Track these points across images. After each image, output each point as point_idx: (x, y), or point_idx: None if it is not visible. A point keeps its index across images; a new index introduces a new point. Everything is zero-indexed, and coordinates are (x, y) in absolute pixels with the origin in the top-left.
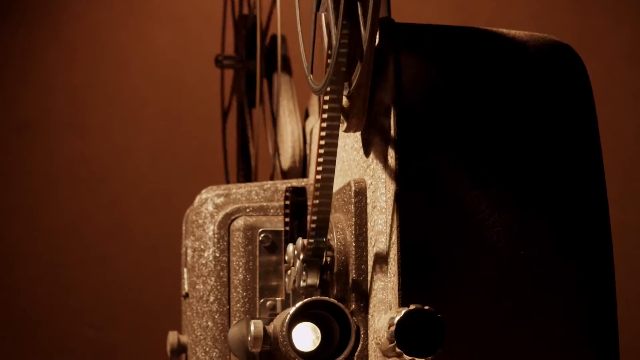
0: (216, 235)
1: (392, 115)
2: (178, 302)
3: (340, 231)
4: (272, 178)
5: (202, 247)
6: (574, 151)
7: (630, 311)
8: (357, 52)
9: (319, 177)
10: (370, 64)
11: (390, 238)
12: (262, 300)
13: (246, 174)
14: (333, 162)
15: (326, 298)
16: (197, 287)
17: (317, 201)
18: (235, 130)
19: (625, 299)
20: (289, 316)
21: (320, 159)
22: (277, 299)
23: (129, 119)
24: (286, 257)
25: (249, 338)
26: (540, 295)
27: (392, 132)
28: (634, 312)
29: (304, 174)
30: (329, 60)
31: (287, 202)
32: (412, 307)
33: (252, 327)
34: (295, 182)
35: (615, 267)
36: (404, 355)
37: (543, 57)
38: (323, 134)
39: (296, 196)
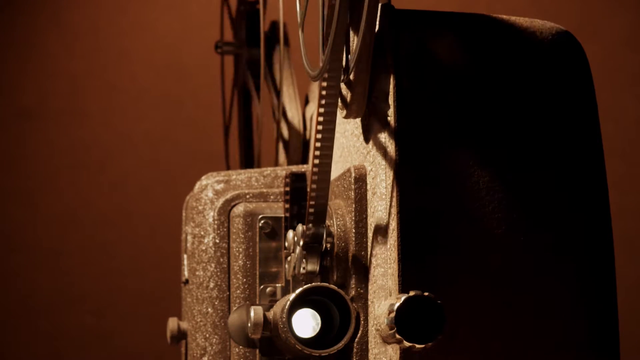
0: (216, 222)
1: (392, 102)
2: (178, 288)
3: (340, 217)
4: (274, 164)
5: (202, 233)
6: (573, 136)
7: (629, 296)
8: (357, 39)
9: (316, 161)
10: (370, 50)
11: (390, 224)
12: (262, 287)
13: (246, 160)
14: (330, 148)
15: (326, 284)
16: (197, 273)
17: (314, 186)
18: (235, 116)
19: (624, 283)
20: (288, 302)
21: (318, 144)
22: (277, 285)
23: (129, 105)
24: (286, 244)
25: (249, 324)
26: (540, 281)
27: (392, 118)
28: (634, 296)
29: (304, 160)
30: (326, 47)
31: (287, 188)
32: (411, 293)
33: (252, 314)
34: (295, 168)
35: (615, 252)
36: (404, 341)
37: (543, 44)
38: (320, 119)
39: (296, 182)
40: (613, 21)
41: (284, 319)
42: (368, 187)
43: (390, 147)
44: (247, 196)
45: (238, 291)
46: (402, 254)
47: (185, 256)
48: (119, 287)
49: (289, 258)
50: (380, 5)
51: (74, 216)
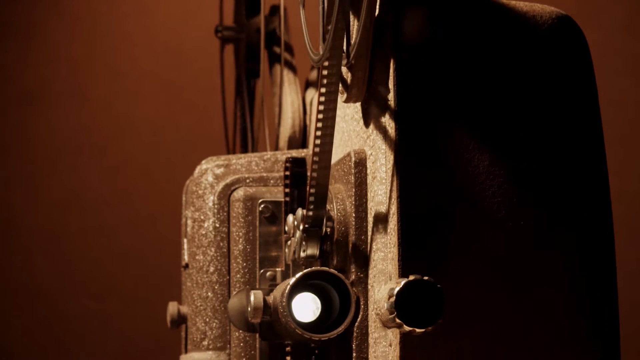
0: (216, 206)
1: (392, 86)
2: (178, 272)
3: (340, 202)
4: (274, 149)
5: (202, 217)
6: (573, 121)
7: (629, 280)
8: (357, 22)
9: (317, 142)
10: (370, 33)
11: (390, 209)
12: (262, 271)
13: (246, 145)
14: (331, 132)
15: (326, 268)
16: (197, 257)
17: (315, 169)
18: (235, 101)
19: (624, 267)
20: (288, 287)
21: (320, 124)
22: (277, 269)
23: (129, 90)
24: (286, 228)
25: (249, 309)
26: (541, 266)
27: (392, 102)
28: (633, 280)
29: (304, 144)
30: (328, 31)
31: (287, 173)
32: (411, 277)
33: (252, 298)
34: (295, 153)
35: (615, 235)
36: (404, 325)
37: (543, 27)
38: (322, 99)
39: (296, 166)
40: (613, 6)
41: (283, 303)
42: (368, 171)
43: (390, 131)
44: (247, 180)
45: (238, 275)
46: (402, 238)
47: (185, 240)
48: (119, 271)
49: (289, 242)
50: None
51: (75, 200)
